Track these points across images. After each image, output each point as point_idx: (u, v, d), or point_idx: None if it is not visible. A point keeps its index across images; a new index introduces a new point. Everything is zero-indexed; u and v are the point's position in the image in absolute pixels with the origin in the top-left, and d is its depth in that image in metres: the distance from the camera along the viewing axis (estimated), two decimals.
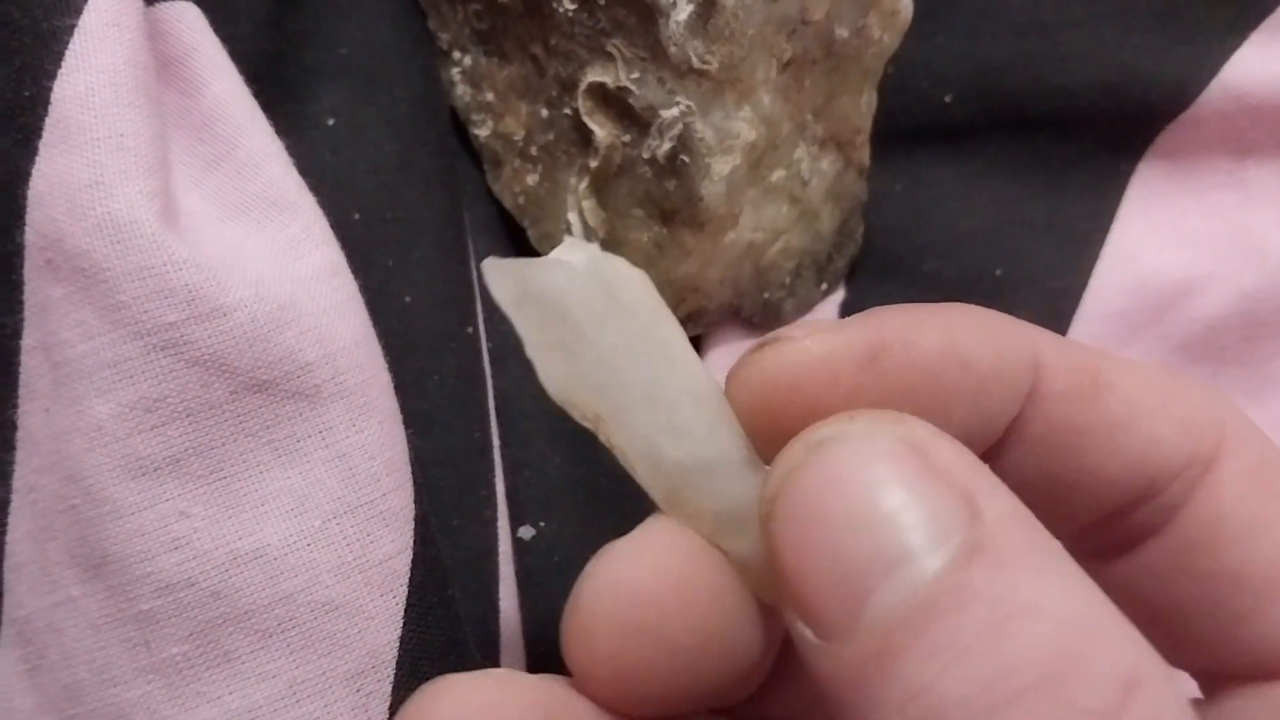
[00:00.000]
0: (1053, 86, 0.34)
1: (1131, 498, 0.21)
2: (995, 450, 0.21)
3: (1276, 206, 0.35)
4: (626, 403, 0.20)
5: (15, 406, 0.25)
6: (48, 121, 0.24)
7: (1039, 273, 0.34)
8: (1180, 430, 0.21)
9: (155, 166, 0.24)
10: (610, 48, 0.29)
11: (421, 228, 0.30)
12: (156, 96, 0.25)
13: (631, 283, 0.20)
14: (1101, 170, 0.35)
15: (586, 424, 0.20)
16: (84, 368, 0.24)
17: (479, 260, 0.32)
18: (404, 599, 0.25)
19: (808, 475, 0.18)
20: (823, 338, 0.20)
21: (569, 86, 0.30)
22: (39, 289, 0.24)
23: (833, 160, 0.33)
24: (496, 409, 0.31)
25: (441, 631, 0.26)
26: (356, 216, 0.29)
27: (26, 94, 0.24)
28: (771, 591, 0.20)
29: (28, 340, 0.24)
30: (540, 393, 0.32)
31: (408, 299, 0.29)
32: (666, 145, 0.29)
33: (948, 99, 0.34)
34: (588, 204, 0.31)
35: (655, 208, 0.30)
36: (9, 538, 0.25)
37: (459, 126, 0.33)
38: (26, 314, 0.24)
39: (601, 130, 0.30)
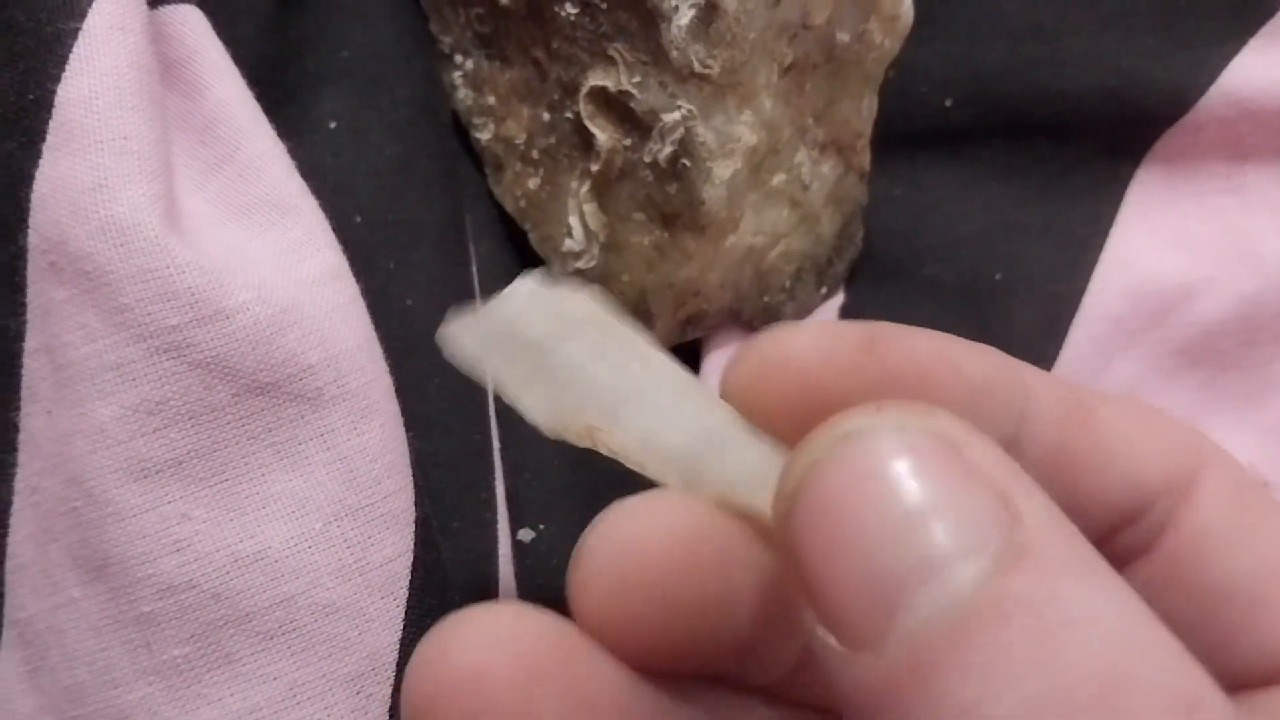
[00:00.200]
0: (1052, 91, 0.34)
1: (1120, 519, 0.21)
2: None
3: (1275, 211, 0.36)
4: (611, 406, 0.20)
5: (17, 409, 0.25)
6: (51, 124, 0.24)
7: (1038, 277, 0.34)
8: (1163, 453, 0.21)
9: (158, 170, 0.24)
10: (612, 52, 0.29)
11: (423, 231, 0.30)
12: (160, 99, 0.25)
13: (577, 297, 0.20)
14: (1100, 175, 0.35)
15: (584, 443, 0.20)
16: (87, 370, 0.24)
17: (480, 263, 0.32)
18: (404, 601, 0.25)
19: (835, 470, 0.17)
20: (818, 329, 0.20)
21: (570, 90, 0.30)
22: (42, 291, 0.24)
23: (833, 164, 0.33)
24: (496, 412, 0.31)
25: None
26: (358, 219, 0.29)
27: (31, 97, 0.24)
28: None
29: (30, 343, 0.24)
30: None
31: (409, 302, 0.29)
32: (668, 149, 0.29)
33: (947, 104, 0.34)
34: (589, 207, 0.31)
35: (656, 211, 0.30)
36: (11, 540, 0.25)
37: (460, 130, 0.33)
38: (29, 316, 0.24)
39: (603, 134, 0.30)
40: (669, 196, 0.30)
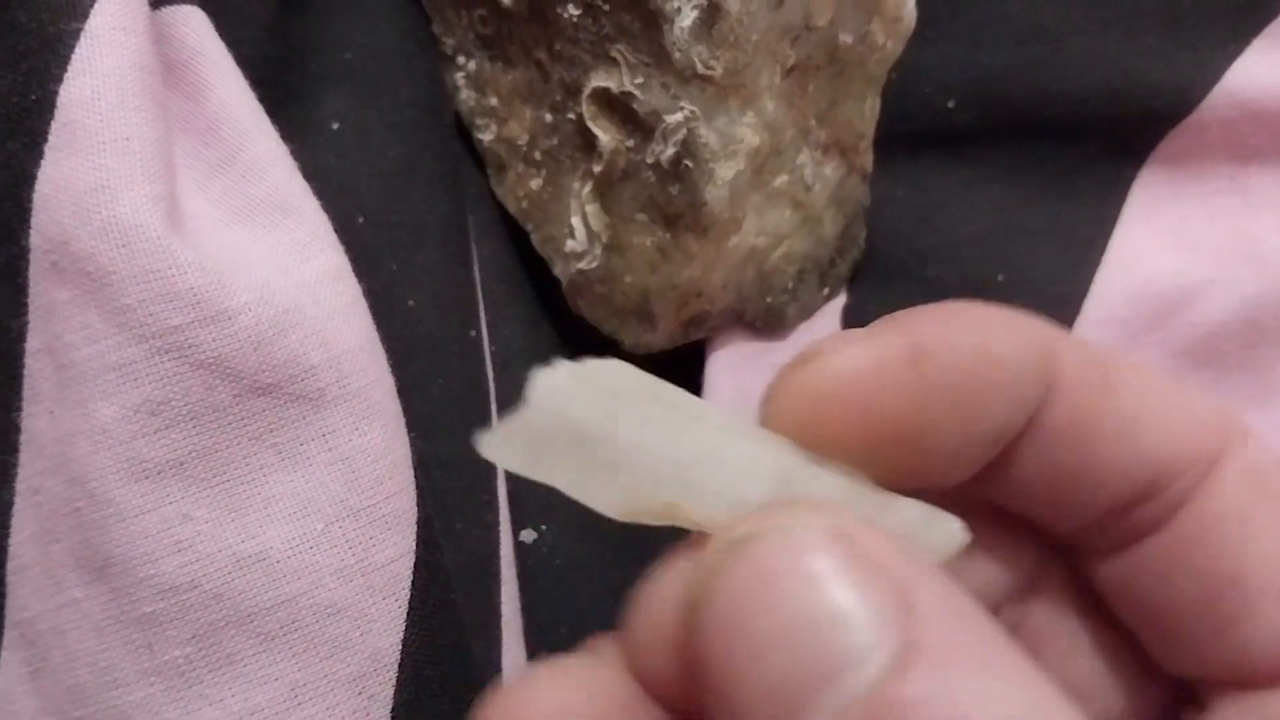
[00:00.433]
0: (1055, 92, 0.34)
1: (1137, 492, 0.20)
2: (1014, 442, 0.21)
3: (1278, 212, 0.35)
4: (682, 477, 0.19)
5: (19, 409, 0.25)
6: (53, 125, 0.24)
7: (1040, 278, 0.34)
8: (1185, 428, 0.20)
9: (161, 170, 0.24)
10: (614, 53, 0.29)
11: (425, 232, 0.30)
12: (162, 100, 0.25)
13: (613, 369, 0.19)
14: (1103, 176, 0.35)
15: (664, 522, 0.19)
16: (89, 370, 0.24)
17: (482, 264, 0.32)
18: (406, 602, 0.25)
19: (730, 579, 0.17)
20: (862, 348, 0.19)
21: (573, 91, 0.30)
22: (44, 291, 0.24)
23: (836, 165, 0.33)
24: (498, 412, 0.31)
25: (443, 635, 0.26)
26: (360, 220, 0.29)
27: (33, 98, 0.24)
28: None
29: (32, 343, 0.25)
30: None
31: (411, 303, 0.29)
32: (670, 150, 0.29)
33: (950, 105, 0.34)
34: (591, 208, 0.31)
35: (659, 212, 0.30)
36: (12, 540, 0.25)
37: (463, 131, 0.33)
38: (31, 316, 0.25)
39: (605, 135, 0.30)
40: (671, 197, 0.30)
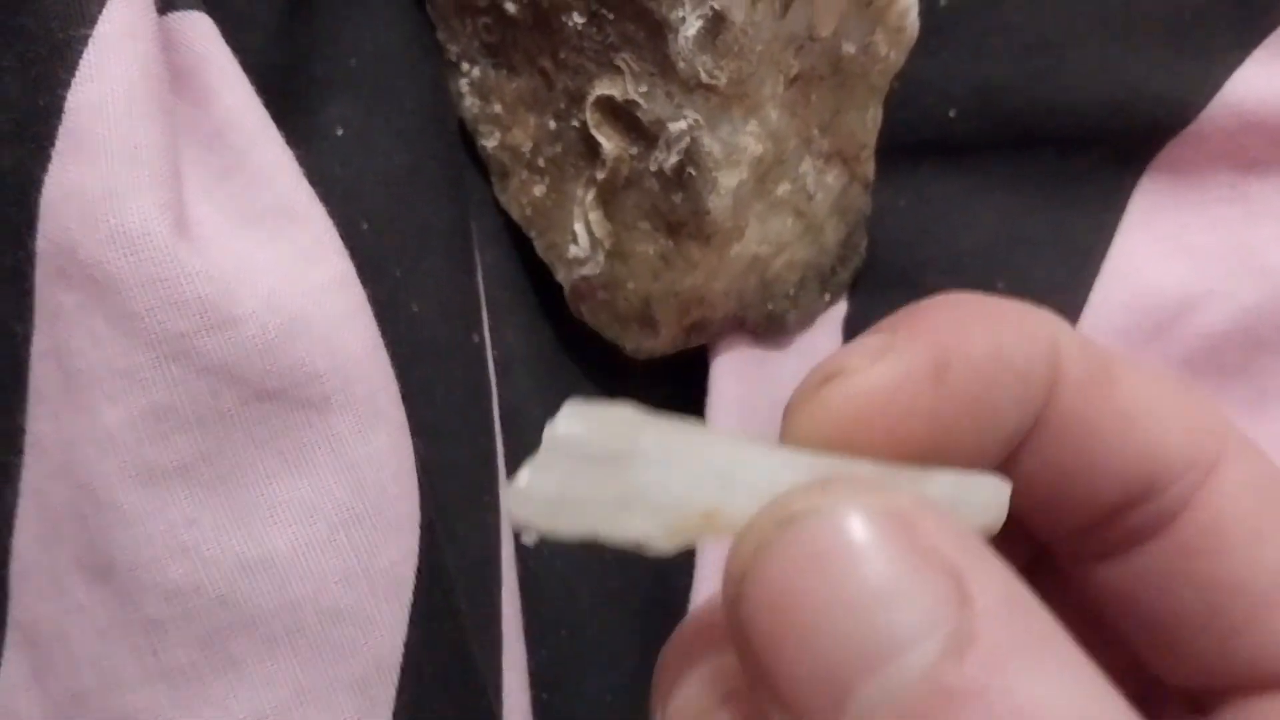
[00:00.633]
0: (1056, 103, 0.34)
1: (1133, 495, 0.20)
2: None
3: (1278, 222, 0.36)
4: (717, 482, 0.18)
5: (24, 412, 0.25)
6: (61, 131, 0.24)
7: (1040, 287, 0.34)
8: (1185, 431, 0.20)
9: (168, 177, 0.25)
10: (619, 62, 0.29)
11: (429, 238, 0.30)
12: (169, 107, 0.25)
13: (625, 409, 0.18)
14: (1104, 185, 0.35)
15: (706, 533, 0.18)
16: (95, 375, 0.24)
17: (486, 271, 0.32)
18: (409, 606, 0.25)
19: (780, 555, 0.16)
20: (888, 364, 0.19)
21: (577, 99, 0.31)
22: (50, 296, 0.24)
23: (838, 174, 0.33)
24: (501, 417, 0.31)
25: (446, 638, 0.26)
26: (365, 226, 0.29)
27: (41, 103, 0.24)
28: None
29: (38, 346, 0.25)
30: (544, 402, 0.32)
31: (415, 309, 0.29)
32: (674, 158, 0.29)
33: (951, 114, 0.34)
34: (594, 216, 0.31)
35: (662, 220, 0.30)
36: (16, 542, 0.25)
37: (467, 138, 0.33)
38: (37, 320, 0.25)
39: (609, 143, 0.30)
40: (674, 205, 0.30)
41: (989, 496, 0.19)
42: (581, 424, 0.18)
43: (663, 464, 0.18)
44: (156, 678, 0.24)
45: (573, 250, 0.32)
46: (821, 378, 0.19)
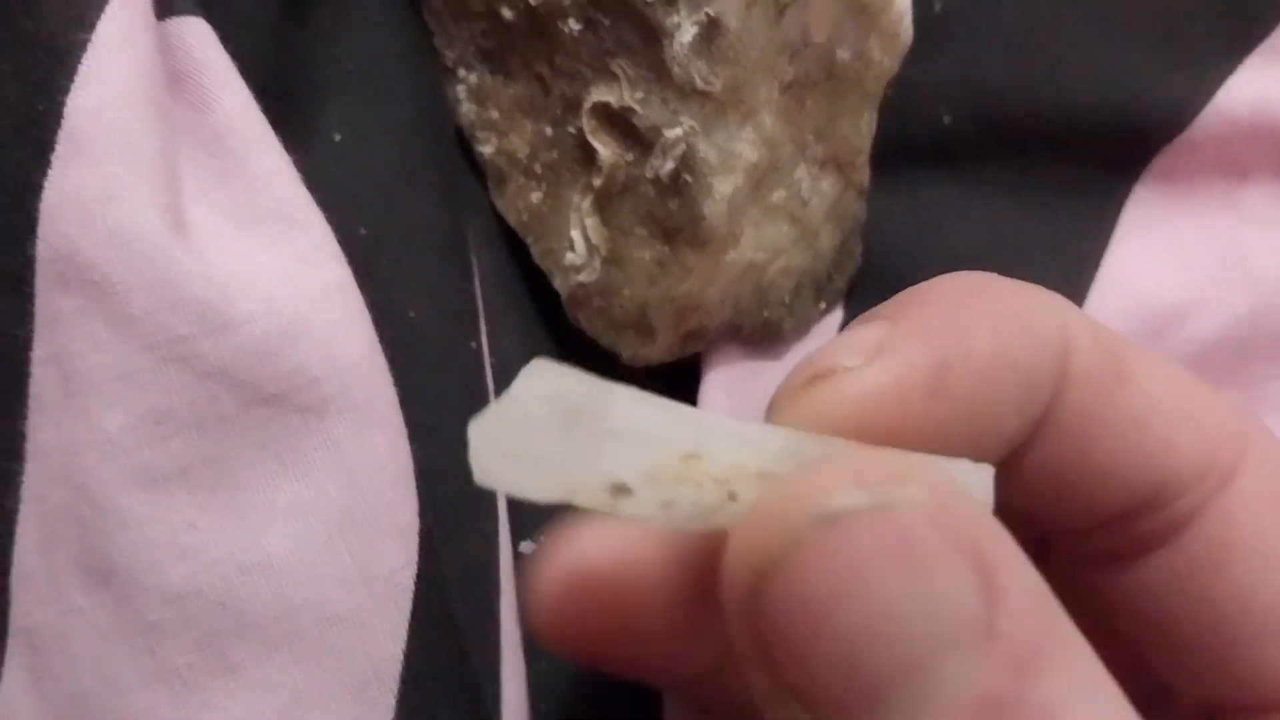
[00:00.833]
0: (1051, 108, 0.34)
1: (1138, 503, 0.20)
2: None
3: (1272, 229, 0.36)
4: (695, 434, 0.17)
5: (25, 417, 0.25)
6: (60, 134, 0.24)
7: None
8: (1198, 438, 0.20)
9: (167, 180, 0.25)
10: (615, 68, 0.30)
11: (426, 242, 0.30)
12: (167, 111, 0.26)
13: (582, 374, 0.18)
14: (1098, 192, 0.35)
15: (685, 483, 0.17)
16: (95, 379, 0.24)
17: (483, 277, 0.32)
18: (408, 612, 0.25)
19: (823, 556, 0.16)
20: (883, 366, 0.18)
21: (573, 105, 0.31)
22: (50, 301, 0.24)
23: (833, 181, 0.33)
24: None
25: (444, 645, 0.26)
26: (362, 231, 0.29)
27: (40, 107, 0.24)
28: None
29: (38, 351, 0.25)
30: None
31: (412, 314, 0.29)
32: (669, 165, 0.30)
33: (946, 120, 0.34)
34: (590, 222, 0.31)
35: (658, 226, 0.30)
36: (16, 547, 0.25)
37: (463, 143, 0.33)
38: (37, 325, 0.25)
39: (605, 149, 0.30)
40: (670, 212, 0.30)
41: (973, 484, 0.19)
42: (554, 375, 0.17)
43: (639, 407, 0.17)
44: (156, 681, 0.24)
45: (569, 257, 0.32)
46: (810, 374, 0.19)
